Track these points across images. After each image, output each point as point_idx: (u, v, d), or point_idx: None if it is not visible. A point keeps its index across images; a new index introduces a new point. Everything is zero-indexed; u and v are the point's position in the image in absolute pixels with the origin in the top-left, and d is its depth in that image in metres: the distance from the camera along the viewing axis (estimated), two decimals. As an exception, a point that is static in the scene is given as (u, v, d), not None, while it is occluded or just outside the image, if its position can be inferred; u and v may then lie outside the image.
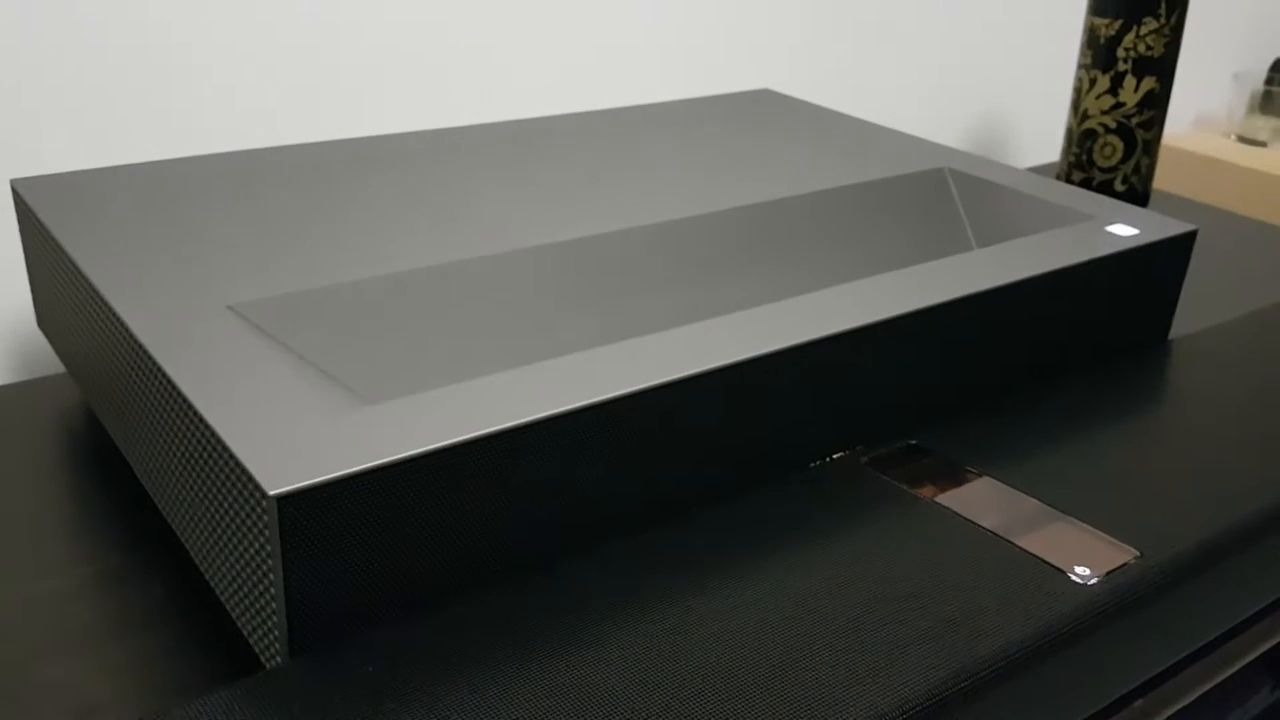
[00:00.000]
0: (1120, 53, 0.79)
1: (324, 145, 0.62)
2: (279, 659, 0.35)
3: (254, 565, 0.34)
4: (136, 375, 0.41)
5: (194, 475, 0.38)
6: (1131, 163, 0.81)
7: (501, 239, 0.50)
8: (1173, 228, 0.57)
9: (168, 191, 0.53)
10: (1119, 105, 0.80)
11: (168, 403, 0.39)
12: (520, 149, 0.63)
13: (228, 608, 0.38)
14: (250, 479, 0.33)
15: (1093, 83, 0.81)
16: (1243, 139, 1.23)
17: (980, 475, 0.46)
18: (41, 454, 0.49)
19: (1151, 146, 0.82)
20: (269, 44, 0.68)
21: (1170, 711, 0.45)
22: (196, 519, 0.38)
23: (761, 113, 0.73)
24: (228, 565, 0.36)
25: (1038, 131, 1.15)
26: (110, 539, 0.44)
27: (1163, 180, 1.19)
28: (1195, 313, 0.64)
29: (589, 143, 0.65)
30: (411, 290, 0.47)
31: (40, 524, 0.44)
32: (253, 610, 0.36)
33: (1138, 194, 0.82)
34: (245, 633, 0.37)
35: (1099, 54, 0.80)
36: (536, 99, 0.80)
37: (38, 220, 0.50)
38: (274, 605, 0.34)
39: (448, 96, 0.76)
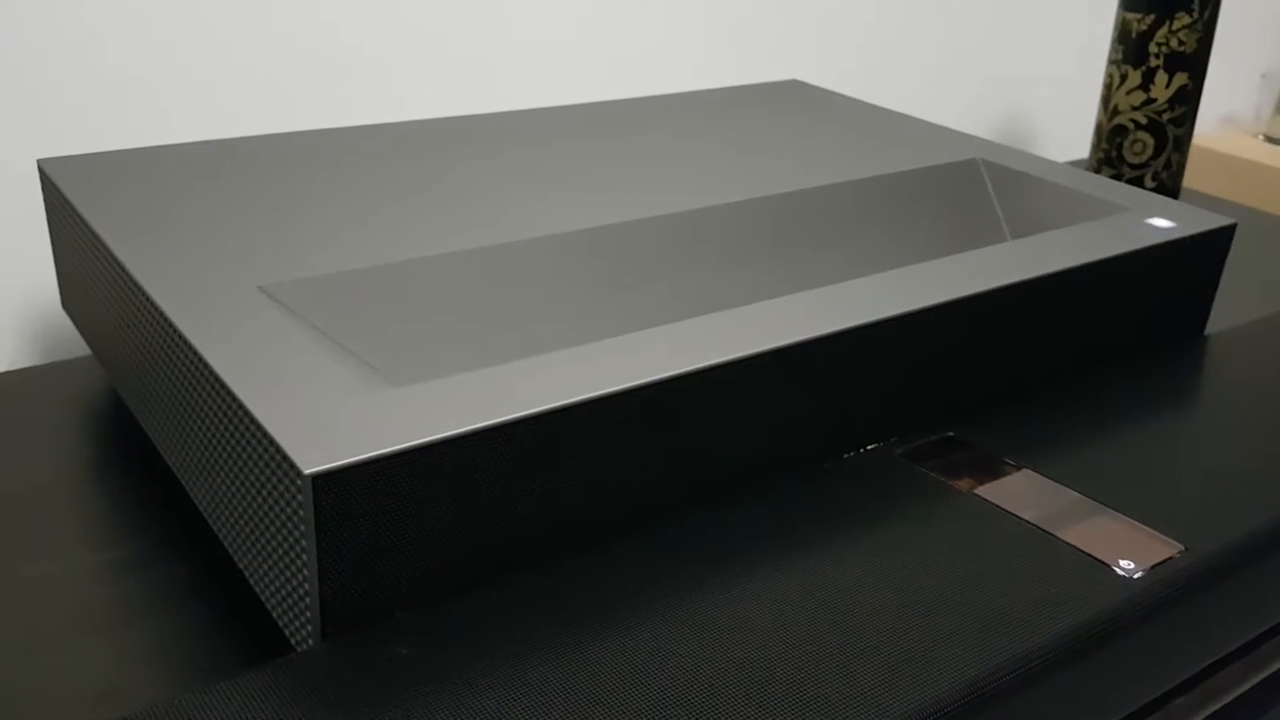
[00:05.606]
0: (1152, 48, 0.78)
1: (354, 130, 0.61)
2: (310, 641, 0.34)
3: (286, 546, 0.34)
4: (166, 355, 0.41)
5: (224, 455, 0.37)
6: (1162, 159, 0.80)
7: (529, 225, 0.50)
8: (1211, 221, 0.56)
9: (196, 173, 0.53)
10: (1150, 101, 0.79)
11: (199, 382, 0.38)
12: (548, 137, 0.62)
13: (256, 590, 0.37)
14: (285, 458, 0.33)
15: (1124, 78, 0.80)
16: (1270, 139, 1.22)
17: (1019, 468, 0.45)
18: (66, 435, 0.49)
19: (1182, 143, 0.81)
20: (297, 28, 0.67)
21: (1212, 709, 0.45)
22: (225, 499, 0.38)
23: (790, 103, 0.72)
24: (258, 546, 0.36)
25: (1066, 127, 1.14)
26: (135, 520, 0.43)
27: (1189, 180, 1.18)
28: (1229, 309, 0.63)
29: (616, 131, 0.64)
30: (439, 275, 0.46)
31: (64, 505, 0.44)
32: (283, 592, 0.35)
33: (1168, 191, 0.81)
34: (275, 615, 0.36)
35: (1130, 49, 0.79)
36: (563, 88, 0.80)
37: (66, 200, 0.49)
38: (306, 586, 0.33)
39: (475, 84, 0.76)
